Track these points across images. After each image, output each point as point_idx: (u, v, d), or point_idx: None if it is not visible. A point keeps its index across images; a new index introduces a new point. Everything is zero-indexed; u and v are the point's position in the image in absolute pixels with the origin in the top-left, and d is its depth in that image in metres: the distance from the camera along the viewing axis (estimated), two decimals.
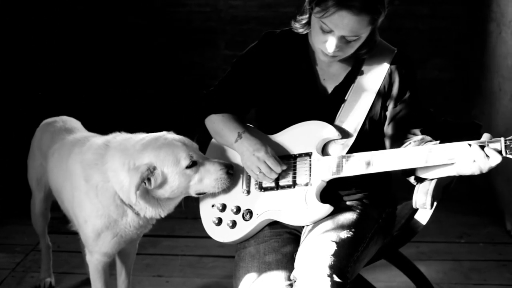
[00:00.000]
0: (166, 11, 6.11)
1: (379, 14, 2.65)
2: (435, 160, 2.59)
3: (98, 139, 3.13)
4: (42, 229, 3.86)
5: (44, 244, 3.94)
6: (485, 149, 2.49)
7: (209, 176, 2.88)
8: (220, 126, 2.97)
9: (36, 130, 3.70)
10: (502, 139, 2.48)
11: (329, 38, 2.67)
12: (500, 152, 2.48)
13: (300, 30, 2.84)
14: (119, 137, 3.06)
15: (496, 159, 2.48)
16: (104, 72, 6.23)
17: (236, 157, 2.97)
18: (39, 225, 3.84)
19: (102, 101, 6.24)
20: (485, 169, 2.51)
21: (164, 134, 2.96)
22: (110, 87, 6.25)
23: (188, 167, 2.86)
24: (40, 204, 3.74)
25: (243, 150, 2.87)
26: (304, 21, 2.81)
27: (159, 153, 2.85)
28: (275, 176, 2.83)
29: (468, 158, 2.52)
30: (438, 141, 2.69)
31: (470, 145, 2.52)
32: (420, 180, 2.77)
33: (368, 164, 2.69)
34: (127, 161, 2.88)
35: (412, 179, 2.79)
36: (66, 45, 6.16)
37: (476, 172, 2.54)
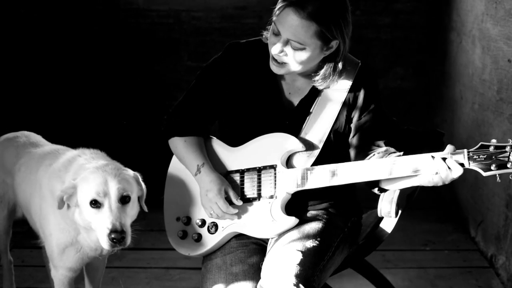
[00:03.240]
0: (129, 22, 6.09)
1: (329, 29, 2.64)
2: (399, 172, 2.61)
3: (71, 153, 3.10)
4: (4, 246, 3.79)
5: (5, 260, 3.89)
6: (447, 161, 2.52)
7: (98, 227, 2.75)
8: (182, 153, 2.95)
9: None
10: (465, 150, 2.51)
11: (276, 41, 2.70)
12: (462, 164, 2.51)
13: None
14: (89, 153, 3.04)
15: (457, 171, 2.52)
16: (67, 83, 6.18)
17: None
18: (2, 243, 3.75)
19: (65, 113, 6.19)
20: (447, 180, 2.55)
21: (116, 165, 2.89)
22: (72, 99, 6.21)
23: (92, 204, 2.75)
24: (3, 222, 3.63)
25: (200, 187, 2.88)
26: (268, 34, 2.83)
27: (87, 177, 2.79)
28: (227, 217, 2.83)
29: (431, 170, 2.54)
30: (402, 153, 2.72)
31: (433, 157, 2.54)
32: (384, 191, 2.79)
33: (333, 176, 2.71)
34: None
35: (376, 190, 2.81)
36: (25, 57, 6.11)
37: (438, 183, 2.57)
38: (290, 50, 2.69)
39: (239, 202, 2.82)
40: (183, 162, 2.95)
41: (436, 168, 2.53)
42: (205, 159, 2.91)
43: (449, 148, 2.56)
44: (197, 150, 2.93)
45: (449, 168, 2.52)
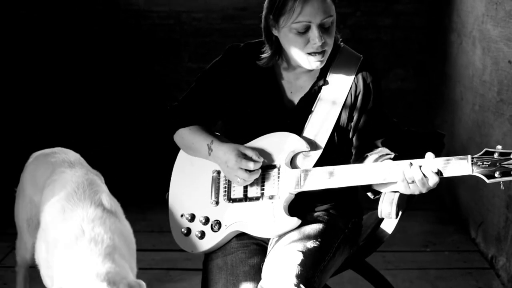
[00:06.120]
0: (129, 23, 6.09)
1: None
2: (374, 179, 2.65)
3: (76, 218, 2.76)
4: (25, 270, 3.50)
5: (22, 273, 3.53)
6: (423, 168, 2.53)
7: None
8: (190, 140, 2.95)
9: (27, 164, 3.31)
10: (469, 156, 2.49)
11: (310, 35, 2.67)
12: (439, 173, 2.52)
13: (271, 63, 2.85)
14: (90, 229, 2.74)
15: (433, 180, 2.53)
16: (68, 84, 6.18)
17: (205, 164, 2.96)
18: (23, 267, 3.47)
19: (65, 113, 6.19)
20: (424, 189, 2.58)
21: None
22: (73, 99, 6.21)
23: None
24: (32, 249, 3.16)
25: (219, 163, 2.86)
26: (270, 51, 2.81)
27: None
28: (257, 175, 2.80)
29: (405, 177, 2.57)
30: (393, 155, 2.73)
31: (411, 164, 2.56)
32: (377, 194, 2.80)
33: (330, 176, 2.71)
34: None
35: (369, 194, 2.82)
36: (24, 60, 6.12)
37: (415, 192, 2.60)
38: (325, 32, 2.68)
39: (260, 159, 2.79)
40: (194, 149, 2.95)
41: (412, 175, 2.55)
42: (213, 136, 2.91)
43: (429, 155, 2.56)
44: (203, 132, 2.94)
45: (425, 176, 2.53)
